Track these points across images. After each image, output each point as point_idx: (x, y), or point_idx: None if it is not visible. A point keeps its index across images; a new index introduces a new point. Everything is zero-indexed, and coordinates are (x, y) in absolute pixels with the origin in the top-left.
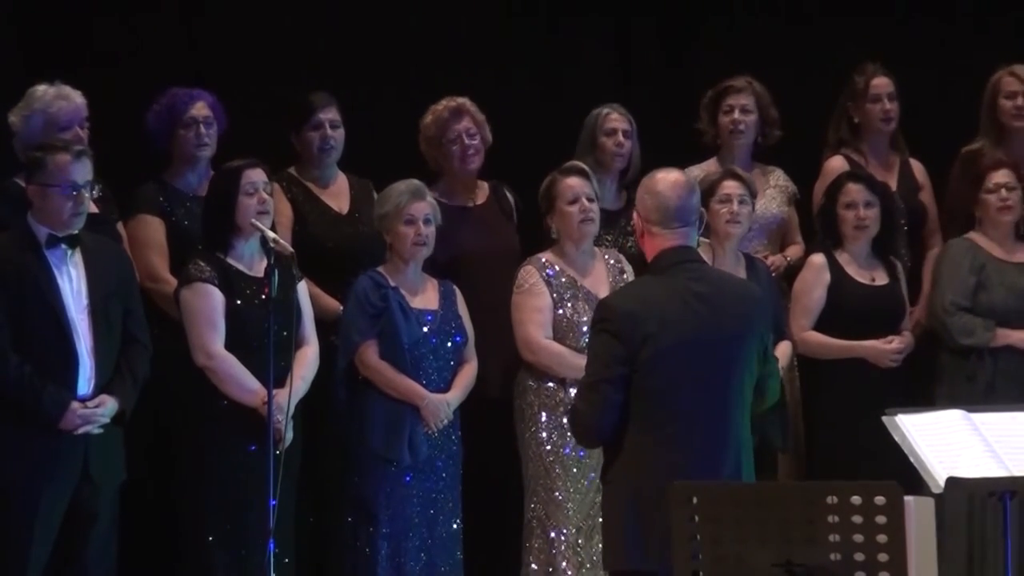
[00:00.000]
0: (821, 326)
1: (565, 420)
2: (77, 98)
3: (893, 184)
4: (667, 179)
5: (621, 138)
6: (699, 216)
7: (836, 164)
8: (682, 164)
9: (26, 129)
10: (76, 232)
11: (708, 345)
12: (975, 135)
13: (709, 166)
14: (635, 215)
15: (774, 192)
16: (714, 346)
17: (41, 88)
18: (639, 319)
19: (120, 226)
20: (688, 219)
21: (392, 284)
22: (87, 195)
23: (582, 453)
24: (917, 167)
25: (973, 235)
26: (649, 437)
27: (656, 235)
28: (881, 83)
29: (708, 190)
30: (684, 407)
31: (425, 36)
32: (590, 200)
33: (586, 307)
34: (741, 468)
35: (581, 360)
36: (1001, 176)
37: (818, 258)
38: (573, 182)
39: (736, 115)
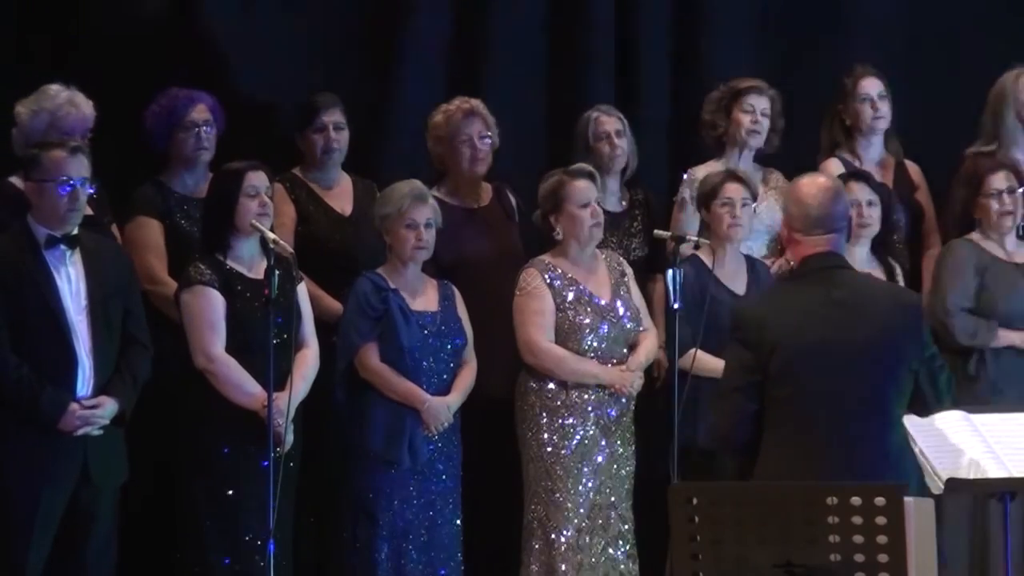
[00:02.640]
0: None
1: (567, 422)
2: (87, 108)
3: (889, 185)
4: (810, 185)
5: (615, 139)
6: (848, 221)
7: (832, 167)
8: (682, 164)
9: (30, 124)
10: (75, 232)
11: (842, 352)
12: (972, 137)
13: (714, 166)
14: (781, 224)
15: (775, 195)
16: (850, 353)
17: (54, 88)
18: (767, 327)
19: (114, 228)
20: (831, 225)
21: (392, 286)
22: (84, 191)
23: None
24: (913, 168)
25: (974, 236)
26: (785, 449)
27: (799, 242)
28: (870, 84)
29: (710, 192)
30: (817, 416)
31: (426, 36)
32: (599, 204)
33: (588, 309)
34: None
35: (582, 364)
36: (1000, 180)
37: None
38: (584, 185)
39: (757, 116)
